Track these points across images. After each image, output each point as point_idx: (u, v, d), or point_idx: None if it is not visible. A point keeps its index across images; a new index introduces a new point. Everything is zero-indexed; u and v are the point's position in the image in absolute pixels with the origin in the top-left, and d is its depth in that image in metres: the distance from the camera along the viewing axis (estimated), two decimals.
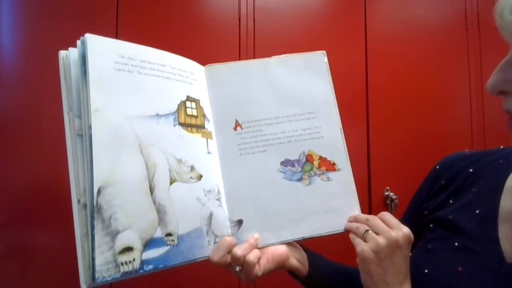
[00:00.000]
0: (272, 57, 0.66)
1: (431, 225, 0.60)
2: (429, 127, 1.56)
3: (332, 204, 0.63)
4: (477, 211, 0.55)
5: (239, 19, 1.59)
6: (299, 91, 0.65)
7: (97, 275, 0.45)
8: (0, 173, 1.44)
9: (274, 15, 1.61)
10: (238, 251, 0.56)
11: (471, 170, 0.60)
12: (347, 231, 0.61)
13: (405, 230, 0.54)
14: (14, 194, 1.44)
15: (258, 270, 0.57)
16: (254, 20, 1.59)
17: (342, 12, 1.66)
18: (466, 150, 0.64)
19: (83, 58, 0.48)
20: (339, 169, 0.64)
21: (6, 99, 1.48)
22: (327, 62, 0.67)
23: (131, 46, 0.53)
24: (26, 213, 1.43)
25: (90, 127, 0.47)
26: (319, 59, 0.67)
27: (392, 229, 0.55)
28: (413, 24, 1.63)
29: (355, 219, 0.60)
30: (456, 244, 0.54)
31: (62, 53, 0.50)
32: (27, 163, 1.44)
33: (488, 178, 0.57)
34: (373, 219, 0.57)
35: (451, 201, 0.58)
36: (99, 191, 0.46)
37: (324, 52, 0.67)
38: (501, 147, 0.61)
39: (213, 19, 1.60)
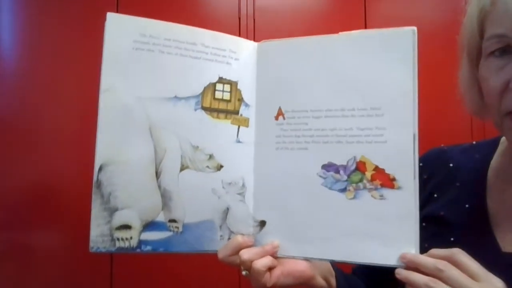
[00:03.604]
0: (340, 33, 0.53)
1: (424, 224, 0.53)
2: (429, 127, 1.40)
3: (379, 230, 0.49)
4: (467, 205, 0.55)
5: (239, 19, 1.59)
6: (366, 79, 0.51)
7: (91, 245, 0.49)
8: (0, 173, 1.45)
9: (274, 15, 1.62)
10: (245, 254, 0.50)
11: (451, 164, 0.60)
12: (392, 267, 0.47)
13: (498, 284, 0.41)
14: (14, 194, 1.48)
15: (268, 279, 0.51)
16: (254, 20, 1.60)
17: (342, 12, 1.66)
18: (442, 145, 0.64)
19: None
20: (399, 187, 0.48)
21: (6, 98, 1.49)
22: (416, 42, 0.49)
23: (157, 24, 0.51)
24: (26, 213, 1.47)
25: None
26: (405, 37, 0.50)
27: (478, 281, 0.40)
28: (413, 24, 1.31)
29: (415, 263, 0.44)
30: (452, 239, 0.53)
31: None
32: (27, 163, 1.47)
33: (469, 172, 0.58)
34: (447, 268, 0.42)
35: (435, 195, 0.58)
36: (100, 168, 0.49)
37: (414, 29, 0.49)
38: (474, 142, 0.64)
39: (213, 19, 1.61)
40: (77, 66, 1.49)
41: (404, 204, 0.48)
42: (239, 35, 1.58)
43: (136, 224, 0.50)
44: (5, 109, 1.48)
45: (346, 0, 1.68)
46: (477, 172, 0.57)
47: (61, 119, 1.50)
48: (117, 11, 1.54)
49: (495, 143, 0.59)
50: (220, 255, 0.52)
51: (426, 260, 0.44)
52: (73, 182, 1.42)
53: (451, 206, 0.57)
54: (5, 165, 1.46)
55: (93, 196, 0.49)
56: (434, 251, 0.44)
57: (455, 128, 1.58)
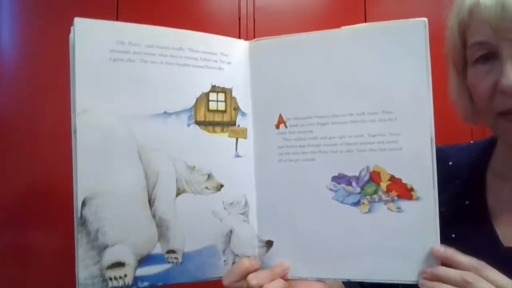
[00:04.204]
0: (343, 27, 0.47)
1: None
2: None
3: (397, 245, 0.46)
4: (467, 202, 0.56)
5: (239, 19, 1.56)
6: (375, 79, 0.46)
7: None
8: (0, 173, 1.43)
9: (274, 15, 1.59)
10: (253, 279, 0.46)
11: (450, 163, 0.61)
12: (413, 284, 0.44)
13: None
14: (14, 194, 1.44)
15: None
16: (254, 20, 1.57)
17: (342, 12, 1.64)
18: (439, 145, 0.63)
19: (74, 49, 0.41)
20: (418, 198, 0.45)
21: (6, 98, 1.45)
22: (428, 35, 0.45)
23: (137, 28, 0.43)
24: (26, 213, 1.44)
25: (76, 131, 0.41)
26: (416, 30, 0.45)
27: None
28: None
29: (438, 277, 0.42)
30: (453, 235, 0.53)
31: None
32: (27, 163, 1.43)
33: (468, 170, 0.59)
34: (475, 279, 0.40)
35: None
36: (84, 203, 0.42)
37: (425, 20, 0.45)
38: (471, 142, 0.65)
39: (213, 19, 1.58)
40: None
41: (423, 216, 0.45)
42: (239, 35, 1.52)
43: (130, 260, 0.44)
44: (5, 109, 1.45)
45: (346, 0, 1.66)
46: (476, 170, 0.58)
47: (61, 119, 1.40)
48: (117, 11, 1.47)
49: (493, 141, 0.60)
50: (226, 281, 0.48)
51: (451, 272, 0.42)
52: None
53: (451, 203, 0.56)
54: (5, 165, 1.43)
55: (78, 235, 0.42)
56: (459, 257, 0.42)
57: (455, 128, 1.59)
